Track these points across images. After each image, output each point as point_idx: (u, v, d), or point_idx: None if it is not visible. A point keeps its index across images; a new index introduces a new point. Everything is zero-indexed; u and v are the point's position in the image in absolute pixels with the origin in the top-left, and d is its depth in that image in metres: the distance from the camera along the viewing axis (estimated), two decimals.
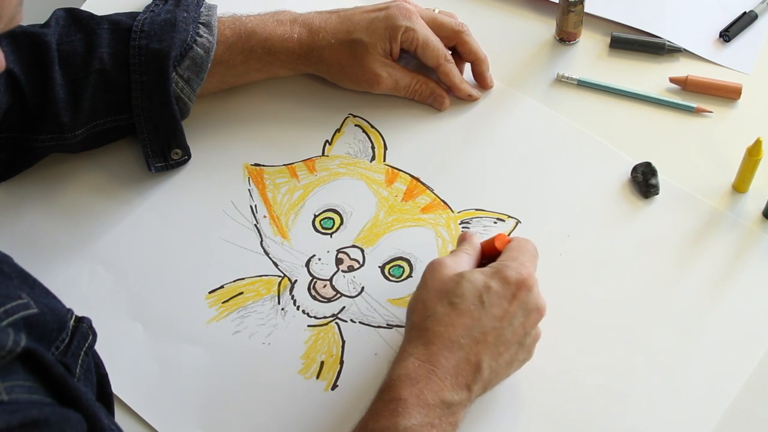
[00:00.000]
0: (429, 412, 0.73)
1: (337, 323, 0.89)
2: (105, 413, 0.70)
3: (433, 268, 0.80)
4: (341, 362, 0.86)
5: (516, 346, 0.78)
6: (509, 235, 0.92)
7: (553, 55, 1.05)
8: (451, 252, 0.83)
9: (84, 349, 0.73)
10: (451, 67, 1.00)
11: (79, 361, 0.72)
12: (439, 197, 0.95)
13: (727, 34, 1.04)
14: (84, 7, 1.00)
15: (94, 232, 0.95)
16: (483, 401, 0.81)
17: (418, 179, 0.96)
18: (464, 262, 0.81)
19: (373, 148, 0.99)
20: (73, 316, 0.73)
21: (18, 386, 0.61)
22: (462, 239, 0.85)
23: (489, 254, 0.83)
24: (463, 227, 0.93)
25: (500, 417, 0.83)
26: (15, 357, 0.61)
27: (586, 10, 1.03)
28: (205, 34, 0.95)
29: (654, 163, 0.94)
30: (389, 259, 0.91)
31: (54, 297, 0.74)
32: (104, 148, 0.98)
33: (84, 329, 0.74)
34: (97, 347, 0.76)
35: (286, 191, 0.96)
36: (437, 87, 1.01)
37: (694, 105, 0.99)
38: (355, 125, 1.00)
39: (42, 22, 0.95)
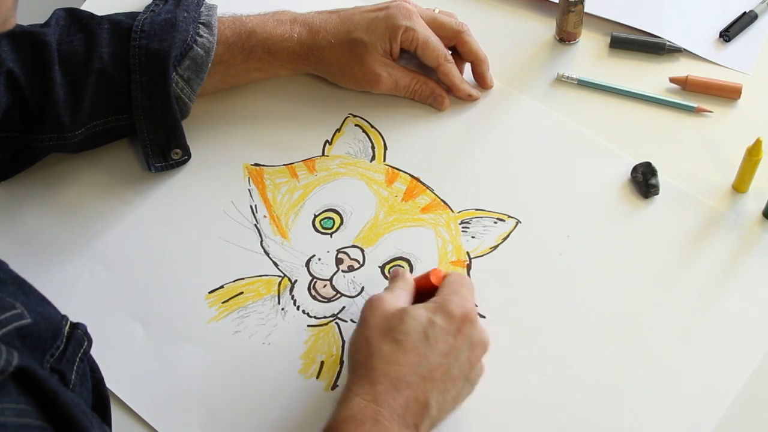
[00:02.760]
0: None
1: (337, 323, 0.89)
2: (98, 423, 0.69)
3: (372, 305, 0.78)
4: (341, 362, 0.86)
5: (462, 381, 0.77)
6: (507, 236, 0.92)
7: (553, 55, 1.05)
8: (386, 289, 0.82)
9: (79, 355, 0.73)
10: (451, 67, 1.00)
11: (75, 368, 0.72)
12: (439, 197, 0.95)
13: (727, 34, 1.04)
14: (84, 7, 1.00)
15: (94, 232, 0.95)
16: (483, 401, 0.81)
17: (418, 179, 0.96)
18: (402, 297, 0.80)
19: (373, 148, 0.99)
20: (68, 323, 0.73)
21: (8, 409, 0.60)
22: (395, 276, 0.83)
23: (424, 290, 0.82)
24: (463, 227, 0.93)
25: (500, 417, 0.83)
26: (7, 376, 0.60)
27: (586, 10, 1.03)
28: (205, 34, 0.95)
29: (654, 163, 0.94)
30: (389, 259, 0.91)
31: (49, 303, 0.74)
32: (104, 148, 0.98)
33: (79, 335, 0.74)
34: (97, 348, 0.76)
35: (286, 191, 0.96)
36: (437, 87, 1.01)
37: (694, 105, 0.99)
38: (355, 125, 1.00)
39: (42, 22, 0.95)
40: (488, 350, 0.79)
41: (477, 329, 0.78)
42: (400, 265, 0.91)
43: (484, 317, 0.86)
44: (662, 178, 0.94)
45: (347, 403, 0.73)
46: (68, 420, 0.64)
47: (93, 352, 0.76)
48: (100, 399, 0.78)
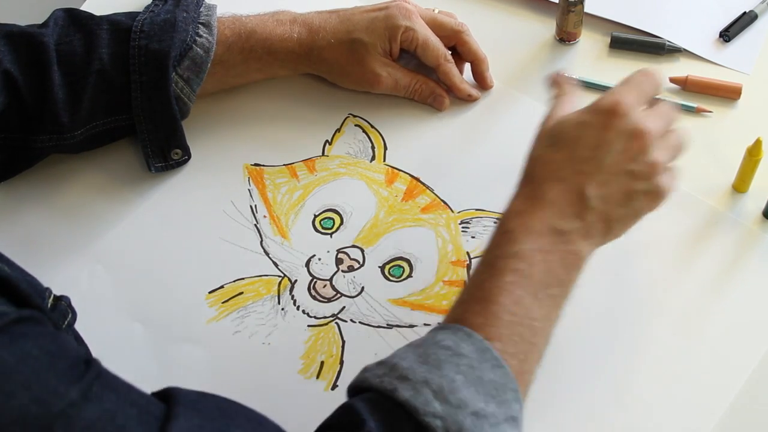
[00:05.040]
0: (538, 239, 0.73)
1: (337, 323, 0.89)
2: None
3: (541, 122, 0.80)
4: (341, 362, 0.86)
5: (625, 177, 0.75)
6: None
7: (553, 55, 1.05)
8: (554, 104, 0.82)
9: (64, 326, 0.73)
10: (451, 66, 1.00)
11: None
12: (439, 197, 0.95)
13: (727, 34, 1.04)
14: (84, 7, 1.00)
15: (94, 232, 0.95)
16: None
17: (418, 179, 0.96)
18: (567, 106, 0.80)
19: (373, 148, 0.99)
20: (52, 295, 0.72)
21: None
22: (555, 81, 0.84)
23: None
24: (463, 227, 0.93)
25: None
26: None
27: (586, 10, 1.03)
28: (204, 34, 0.95)
29: None
30: (389, 259, 0.91)
31: (32, 276, 0.73)
32: (104, 148, 0.98)
33: (63, 307, 0.73)
34: (97, 348, 0.76)
35: (286, 191, 0.96)
36: (437, 87, 1.01)
37: (694, 105, 0.99)
38: (355, 125, 1.00)
39: (41, 22, 0.95)
40: (653, 143, 0.76)
41: (629, 120, 0.75)
42: (399, 266, 0.91)
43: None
44: None
45: (510, 202, 0.77)
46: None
47: (93, 351, 0.76)
48: None
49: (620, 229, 0.78)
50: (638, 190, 0.76)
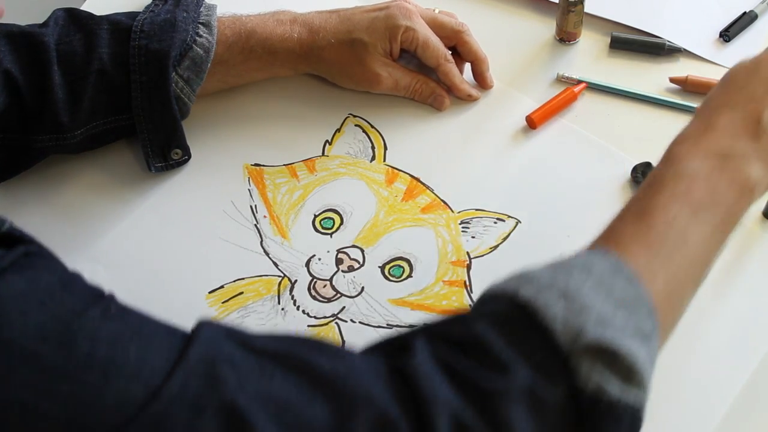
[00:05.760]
0: (704, 160, 0.69)
1: (337, 323, 0.88)
2: None
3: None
4: None
5: None
6: (507, 236, 0.92)
7: (553, 55, 1.05)
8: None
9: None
10: (451, 66, 1.00)
11: None
12: (439, 197, 0.95)
13: (727, 34, 1.04)
14: (84, 7, 1.00)
15: (94, 232, 0.95)
16: None
17: (418, 179, 0.96)
18: None
19: (373, 148, 0.99)
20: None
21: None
22: None
23: None
24: (463, 227, 0.93)
25: None
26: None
27: (586, 10, 1.03)
28: (204, 34, 0.95)
29: (654, 163, 0.94)
30: (389, 259, 0.91)
31: None
32: (104, 148, 0.98)
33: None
34: None
35: (286, 191, 0.96)
36: (437, 87, 1.01)
37: (694, 105, 0.99)
38: (355, 125, 1.00)
39: (41, 22, 0.95)
40: None
41: None
42: (399, 266, 0.91)
43: None
44: None
45: (678, 134, 0.73)
46: None
47: None
48: None
49: None
50: None
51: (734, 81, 0.75)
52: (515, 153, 0.98)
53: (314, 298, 0.90)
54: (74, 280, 0.62)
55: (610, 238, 0.68)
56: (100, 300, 0.60)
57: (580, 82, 1.01)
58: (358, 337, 0.87)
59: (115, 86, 0.93)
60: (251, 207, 0.96)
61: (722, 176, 0.68)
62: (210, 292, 0.91)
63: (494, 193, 0.95)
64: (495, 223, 0.93)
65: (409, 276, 0.90)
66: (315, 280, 0.91)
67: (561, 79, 1.02)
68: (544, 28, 1.06)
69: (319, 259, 0.92)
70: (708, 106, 0.74)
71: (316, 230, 0.94)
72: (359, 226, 0.93)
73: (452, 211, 0.94)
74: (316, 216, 0.94)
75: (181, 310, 0.89)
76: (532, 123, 0.98)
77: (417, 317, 0.88)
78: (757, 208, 0.92)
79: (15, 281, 0.57)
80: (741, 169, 0.69)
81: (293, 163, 0.98)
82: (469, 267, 0.91)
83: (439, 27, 1.00)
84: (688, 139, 0.71)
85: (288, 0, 1.01)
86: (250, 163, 0.98)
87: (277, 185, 0.97)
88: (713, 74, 1.01)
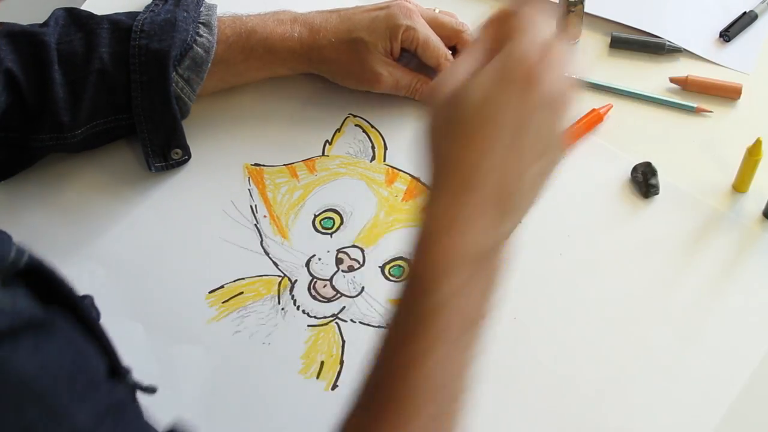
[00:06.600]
0: (457, 274, 0.60)
1: (337, 323, 0.88)
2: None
3: (429, 96, 0.63)
4: (341, 362, 0.86)
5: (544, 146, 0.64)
6: None
7: None
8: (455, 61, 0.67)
9: None
10: None
11: None
12: None
13: (727, 34, 1.04)
14: (84, 7, 0.99)
15: (94, 232, 0.95)
16: (483, 400, 0.81)
17: (418, 179, 0.96)
18: (464, 67, 0.66)
19: (373, 148, 0.99)
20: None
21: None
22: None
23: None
24: None
25: (500, 416, 0.83)
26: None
27: (586, 10, 1.03)
28: (205, 34, 0.95)
29: (654, 163, 0.94)
30: (389, 259, 0.91)
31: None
32: (104, 148, 0.98)
33: (87, 306, 0.72)
34: None
35: (286, 191, 0.96)
36: None
37: (694, 105, 0.99)
38: (355, 125, 1.00)
39: (42, 21, 0.95)
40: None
41: (548, 85, 0.60)
42: (400, 266, 0.91)
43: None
44: (662, 178, 0.93)
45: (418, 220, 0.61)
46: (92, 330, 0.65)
47: None
48: None
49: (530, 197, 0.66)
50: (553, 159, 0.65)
51: (470, 128, 0.60)
52: None
53: (314, 298, 0.90)
54: (85, 359, 0.59)
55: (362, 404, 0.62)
56: (99, 392, 0.58)
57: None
58: (359, 337, 0.87)
59: (115, 86, 0.93)
60: (251, 207, 0.96)
61: (477, 288, 0.60)
62: (210, 292, 0.91)
63: None
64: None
65: None
66: (315, 280, 0.91)
67: None
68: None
69: (319, 259, 0.92)
70: (444, 175, 0.61)
71: (316, 230, 0.94)
72: (359, 226, 0.93)
73: None
74: (316, 216, 0.94)
75: (181, 310, 0.90)
76: None
77: None
78: (757, 207, 0.92)
79: (24, 367, 0.54)
80: (494, 266, 0.62)
81: (293, 163, 0.98)
82: None
83: (439, 27, 0.99)
84: (433, 245, 0.60)
85: (288, 0, 1.01)
86: (250, 163, 0.98)
87: (277, 185, 0.97)
88: (713, 74, 1.01)
